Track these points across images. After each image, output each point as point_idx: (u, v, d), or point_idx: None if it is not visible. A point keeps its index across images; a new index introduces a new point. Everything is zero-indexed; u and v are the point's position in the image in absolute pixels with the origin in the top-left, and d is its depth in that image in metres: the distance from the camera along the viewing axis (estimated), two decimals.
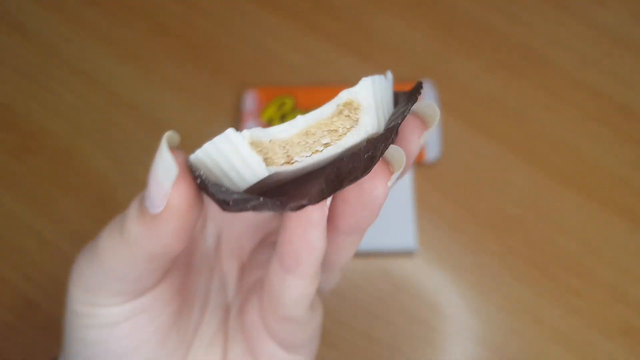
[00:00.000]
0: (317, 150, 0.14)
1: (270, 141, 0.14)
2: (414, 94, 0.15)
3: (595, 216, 0.38)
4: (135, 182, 0.39)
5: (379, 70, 0.43)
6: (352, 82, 0.43)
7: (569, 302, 0.35)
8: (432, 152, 0.39)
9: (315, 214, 0.15)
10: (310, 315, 0.18)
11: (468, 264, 0.37)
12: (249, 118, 0.39)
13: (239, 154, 0.13)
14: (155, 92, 0.42)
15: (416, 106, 0.16)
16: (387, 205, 0.26)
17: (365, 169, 0.13)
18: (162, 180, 0.14)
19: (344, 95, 0.14)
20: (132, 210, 0.15)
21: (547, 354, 0.34)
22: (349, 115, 0.14)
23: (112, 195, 0.39)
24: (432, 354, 0.35)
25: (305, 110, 0.40)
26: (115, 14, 0.45)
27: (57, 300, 0.35)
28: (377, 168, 0.15)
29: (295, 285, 0.16)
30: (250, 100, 0.40)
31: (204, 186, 0.14)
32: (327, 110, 0.14)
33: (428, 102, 0.16)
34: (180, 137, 0.14)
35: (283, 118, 0.39)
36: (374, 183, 0.15)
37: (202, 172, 0.14)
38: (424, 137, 0.16)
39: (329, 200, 0.15)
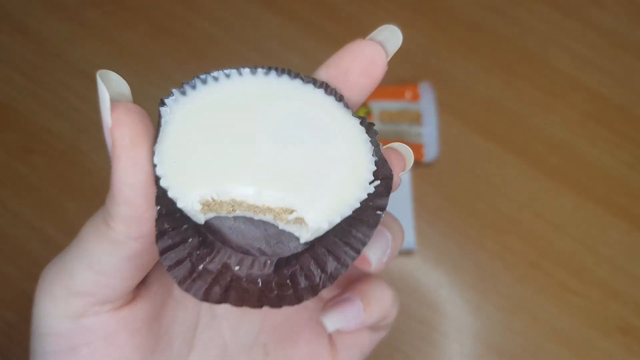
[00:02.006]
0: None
1: None
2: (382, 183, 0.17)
3: (593, 216, 0.38)
4: None
5: None
6: None
7: (567, 301, 0.36)
8: (431, 152, 0.39)
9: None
10: None
11: (466, 263, 0.37)
12: None
13: None
14: (156, 92, 0.42)
15: (397, 146, 0.19)
16: None
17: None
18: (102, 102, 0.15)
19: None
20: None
21: (545, 351, 0.35)
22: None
23: None
24: (431, 352, 0.35)
25: None
26: (116, 15, 0.45)
27: None
28: None
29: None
30: None
31: None
32: None
33: (401, 144, 0.18)
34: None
35: None
36: None
37: None
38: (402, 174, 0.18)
39: None
